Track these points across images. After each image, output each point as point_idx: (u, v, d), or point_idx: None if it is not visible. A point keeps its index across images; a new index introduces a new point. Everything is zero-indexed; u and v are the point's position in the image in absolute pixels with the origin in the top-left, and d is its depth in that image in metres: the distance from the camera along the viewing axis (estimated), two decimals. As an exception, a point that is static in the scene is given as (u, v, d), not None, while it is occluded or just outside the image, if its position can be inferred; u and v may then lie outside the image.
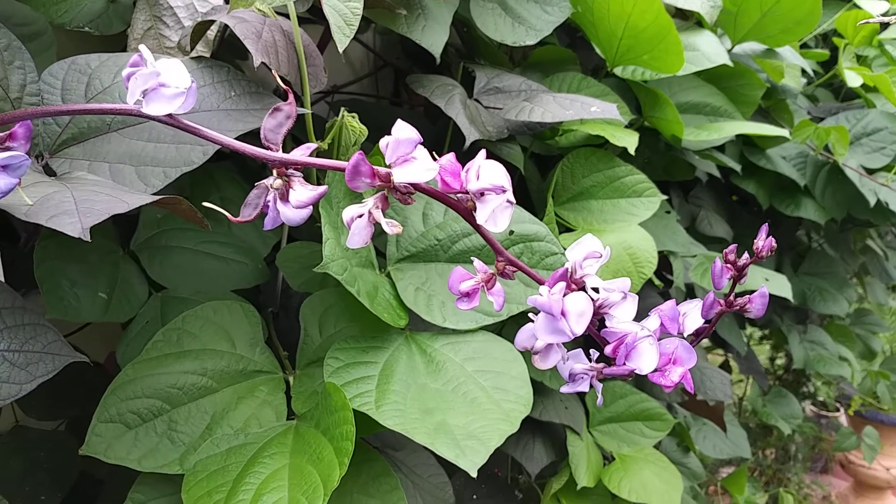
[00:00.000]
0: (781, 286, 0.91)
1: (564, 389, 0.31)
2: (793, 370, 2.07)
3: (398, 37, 1.00)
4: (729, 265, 0.30)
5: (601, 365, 0.31)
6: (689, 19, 1.04)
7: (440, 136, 0.85)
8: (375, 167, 0.27)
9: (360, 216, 0.28)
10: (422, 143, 0.27)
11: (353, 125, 0.60)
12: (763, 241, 0.30)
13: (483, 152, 0.28)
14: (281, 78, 0.51)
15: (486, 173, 0.27)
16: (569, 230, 0.83)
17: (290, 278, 0.67)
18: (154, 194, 0.45)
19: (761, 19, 0.98)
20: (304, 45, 0.55)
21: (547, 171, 0.93)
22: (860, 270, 1.88)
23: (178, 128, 0.29)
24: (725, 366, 1.67)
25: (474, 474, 0.48)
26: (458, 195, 0.28)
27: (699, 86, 0.98)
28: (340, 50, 0.49)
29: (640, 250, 0.74)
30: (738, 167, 1.04)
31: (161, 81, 0.28)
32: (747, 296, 0.31)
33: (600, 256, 0.30)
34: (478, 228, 0.28)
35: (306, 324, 0.62)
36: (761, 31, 1.01)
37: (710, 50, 0.90)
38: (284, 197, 0.28)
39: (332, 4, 0.49)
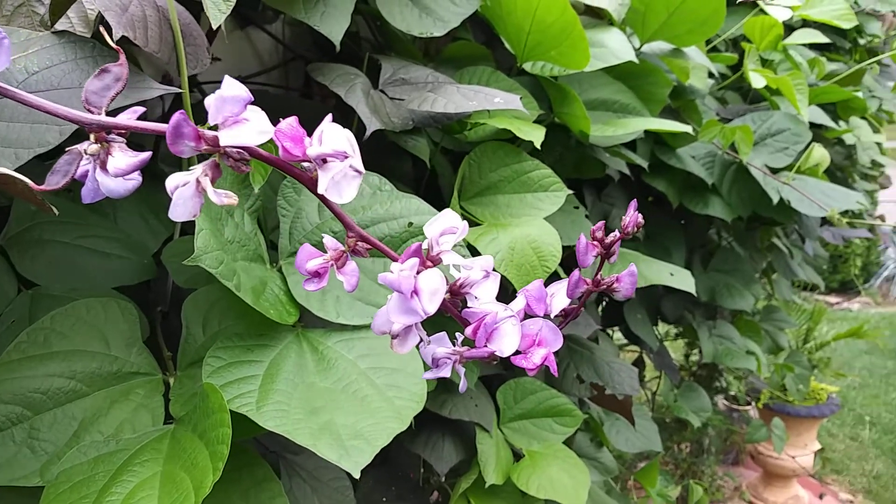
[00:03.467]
0: (685, 281, 0.93)
1: (426, 375, 0.29)
2: (706, 365, 2.13)
3: (308, 28, 0.97)
4: (595, 242, 0.29)
5: (464, 348, 0.29)
6: (601, 18, 1.05)
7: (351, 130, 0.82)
8: (201, 129, 0.24)
9: (185, 185, 0.25)
10: (253, 103, 0.25)
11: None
12: (630, 216, 0.29)
13: (329, 116, 0.26)
14: (125, 46, 0.47)
15: (329, 138, 0.25)
16: (477, 224, 0.81)
17: (176, 274, 0.63)
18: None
19: (668, 19, 1.00)
20: (185, 23, 0.51)
21: (459, 165, 0.91)
22: (767, 268, 1.95)
23: None
24: (640, 361, 1.70)
25: (357, 475, 0.46)
26: (303, 164, 0.26)
27: (608, 83, 0.98)
28: (214, 26, 0.45)
29: (545, 244, 0.73)
30: (645, 164, 1.05)
31: None
32: (615, 275, 0.29)
33: (457, 231, 0.28)
34: (322, 199, 0.26)
35: (189, 322, 0.58)
36: (669, 31, 1.03)
37: (617, 47, 0.91)
38: (104, 165, 0.25)
39: (205, -23, 0.45)
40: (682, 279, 0.92)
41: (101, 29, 0.43)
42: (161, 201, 0.74)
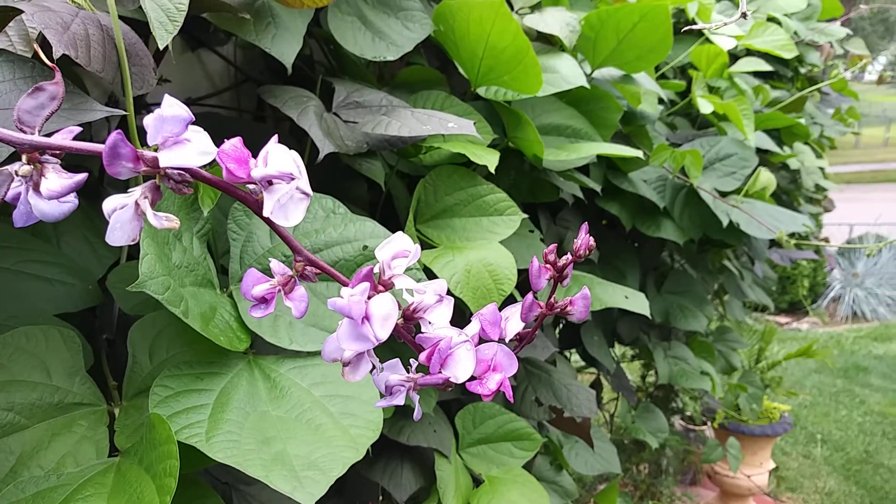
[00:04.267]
0: (640, 304, 0.94)
1: (380, 403, 0.28)
2: (662, 386, 2.15)
3: (261, 50, 0.96)
4: (548, 265, 0.29)
5: (418, 375, 0.28)
6: (554, 44, 1.07)
7: (304, 152, 0.82)
8: (140, 150, 0.24)
9: (123, 208, 0.24)
10: (195, 123, 0.24)
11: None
12: (581, 239, 0.28)
13: (275, 137, 0.25)
14: (68, 66, 0.46)
15: (274, 159, 0.24)
16: (432, 247, 0.81)
17: (122, 301, 0.61)
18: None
19: (618, 45, 1.02)
20: (130, 43, 0.50)
21: (415, 188, 0.91)
22: (719, 289, 1.99)
23: None
24: (597, 383, 1.71)
25: (311, 507, 0.45)
26: (248, 186, 0.25)
27: (560, 108, 1.00)
28: (161, 46, 0.45)
29: (500, 267, 0.73)
30: (598, 188, 1.07)
31: None
32: (568, 297, 0.29)
33: (409, 255, 0.27)
34: (268, 222, 0.25)
35: (135, 349, 0.56)
36: (618, 57, 1.05)
37: (569, 73, 0.92)
38: (37, 187, 0.24)
39: (152, -3, 0.45)
40: (637, 302, 0.93)
41: (37, 48, 0.42)
42: (106, 225, 0.71)
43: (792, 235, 1.46)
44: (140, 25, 0.58)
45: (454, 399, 1.01)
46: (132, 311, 0.60)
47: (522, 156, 1.00)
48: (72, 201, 0.25)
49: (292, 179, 0.24)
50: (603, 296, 0.92)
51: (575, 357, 1.59)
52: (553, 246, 0.29)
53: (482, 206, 0.81)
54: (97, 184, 0.75)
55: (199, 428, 0.49)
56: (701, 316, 1.46)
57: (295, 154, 0.25)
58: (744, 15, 0.38)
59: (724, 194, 1.34)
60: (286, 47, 0.68)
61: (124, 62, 0.47)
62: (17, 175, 0.24)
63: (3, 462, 0.49)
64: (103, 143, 0.25)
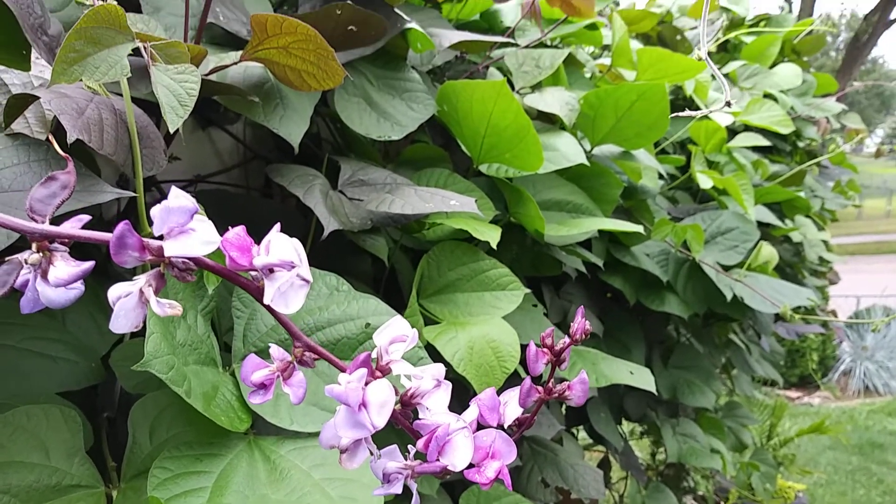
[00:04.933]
0: (646, 380, 0.93)
1: (377, 492, 0.28)
2: (673, 465, 2.10)
3: (269, 129, 0.99)
4: (545, 349, 0.29)
5: (416, 462, 0.28)
6: (554, 123, 1.09)
7: (309, 229, 0.83)
8: (146, 239, 0.24)
9: (128, 295, 0.24)
10: (198, 214, 0.25)
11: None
12: (578, 323, 0.29)
13: (277, 225, 0.26)
14: (82, 146, 0.47)
15: (276, 248, 0.25)
16: (435, 322, 0.81)
17: (124, 379, 0.61)
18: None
19: (617, 123, 1.04)
20: (141, 125, 0.52)
21: (418, 263, 0.92)
22: (727, 364, 1.96)
23: None
24: (605, 462, 1.67)
25: None
26: (251, 273, 0.26)
27: (561, 184, 1.01)
28: (171, 130, 0.46)
29: (503, 344, 0.73)
30: (600, 262, 1.07)
31: None
32: (566, 382, 0.29)
33: (406, 339, 0.28)
34: (268, 309, 0.26)
35: (135, 429, 0.55)
36: (618, 135, 1.07)
37: (569, 150, 0.94)
38: (45, 275, 0.25)
39: (164, 83, 0.46)
40: (643, 377, 0.92)
41: (51, 138, 0.43)
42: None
43: (798, 309, 1.45)
44: (152, 107, 0.60)
45: (458, 481, 0.99)
46: (134, 390, 0.60)
47: (524, 230, 1.01)
48: (78, 288, 0.26)
49: (293, 267, 0.25)
50: (608, 371, 0.91)
51: (582, 434, 1.56)
52: (550, 329, 0.29)
53: (485, 280, 0.82)
54: (104, 261, 0.76)
55: (196, 512, 0.48)
56: (709, 392, 1.44)
57: (296, 242, 0.26)
58: (728, 103, 0.39)
59: (726, 268, 1.34)
60: (293, 128, 0.70)
61: (136, 145, 0.49)
62: (26, 263, 0.25)
63: (-5, 547, 0.48)
64: (111, 223, 0.25)
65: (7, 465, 0.51)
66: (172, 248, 0.24)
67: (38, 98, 0.47)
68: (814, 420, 3.18)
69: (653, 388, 0.89)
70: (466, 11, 1.20)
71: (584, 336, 0.28)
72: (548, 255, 1.05)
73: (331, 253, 0.87)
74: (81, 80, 0.50)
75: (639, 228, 0.94)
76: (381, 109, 0.84)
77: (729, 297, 1.23)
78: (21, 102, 0.47)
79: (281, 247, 0.25)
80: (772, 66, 1.99)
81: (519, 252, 1.02)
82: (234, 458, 0.54)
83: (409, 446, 0.29)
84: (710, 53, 2.02)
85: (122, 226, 0.23)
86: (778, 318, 1.64)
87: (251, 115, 0.69)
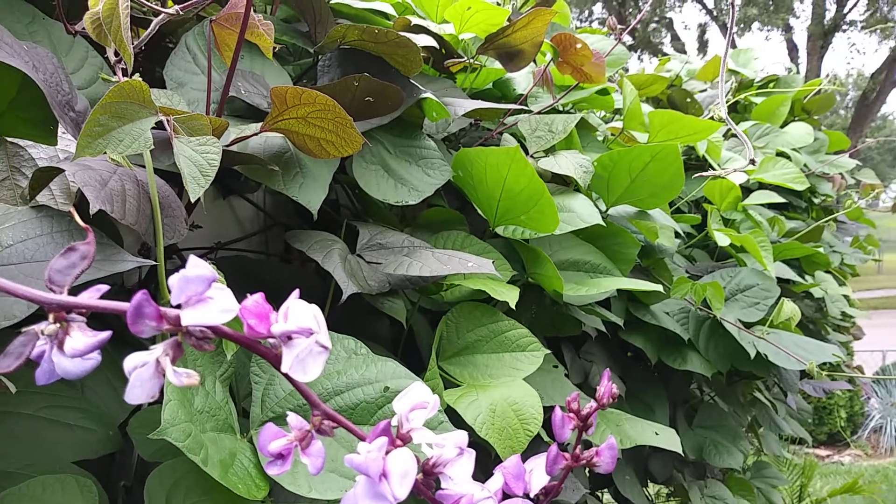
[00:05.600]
0: (671, 440, 0.90)
1: (398, 568, 0.27)
2: (701, 530, 2.02)
3: (288, 197, 1.00)
4: (572, 414, 0.28)
5: (439, 536, 0.27)
6: (569, 185, 1.10)
7: (328, 293, 0.83)
8: (163, 308, 0.24)
9: (144, 365, 0.24)
10: (217, 282, 0.25)
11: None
12: (605, 386, 0.28)
13: (296, 292, 0.26)
14: (105, 215, 0.48)
15: (294, 315, 0.25)
16: (456, 385, 0.80)
17: (142, 447, 0.60)
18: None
19: (631, 184, 1.05)
20: (163, 195, 0.53)
21: (437, 324, 0.92)
22: (753, 422, 1.92)
23: None
24: (632, 528, 1.61)
25: None
26: (269, 340, 0.26)
27: (578, 245, 1.01)
28: (192, 199, 0.47)
29: (526, 406, 0.72)
30: (620, 321, 1.07)
31: None
32: (594, 448, 0.29)
33: (427, 406, 0.27)
34: (286, 377, 0.26)
35: (151, 499, 0.55)
36: (632, 195, 1.08)
37: (584, 211, 0.95)
38: (61, 346, 0.25)
39: (186, 154, 0.48)
40: (668, 438, 0.90)
41: (73, 210, 0.44)
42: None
43: (823, 365, 1.42)
44: (174, 177, 0.61)
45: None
46: (151, 458, 0.59)
47: (542, 290, 1.01)
48: (95, 358, 0.26)
49: (311, 334, 0.25)
50: (632, 433, 0.89)
51: (606, 497, 1.52)
52: (575, 394, 0.29)
53: (504, 342, 0.81)
54: (123, 328, 0.76)
55: (212, 586, 0.47)
56: (736, 452, 1.40)
57: (315, 308, 0.26)
58: (752, 161, 0.40)
59: (748, 325, 1.32)
60: (312, 195, 0.71)
61: (157, 215, 0.50)
62: (42, 334, 0.25)
63: None
64: (132, 291, 0.26)
65: (23, 537, 0.50)
66: (190, 318, 0.24)
67: (62, 171, 0.49)
68: (845, 479, 3.07)
69: (679, 449, 0.87)
70: (480, 81, 1.23)
71: (611, 400, 0.28)
72: (567, 314, 1.05)
73: (349, 316, 0.87)
74: (105, 153, 0.51)
75: (657, 287, 0.93)
76: (399, 176, 0.86)
77: (752, 354, 1.21)
78: (46, 175, 0.48)
79: (299, 314, 0.25)
80: (783, 126, 2.00)
81: (538, 312, 1.01)
82: (252, 529, 0.52)
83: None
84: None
85: (139, 296, 0.24)
86: (803, 375, 1.61)
87: (271, 184, 0.71)
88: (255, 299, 0.25)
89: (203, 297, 0.24)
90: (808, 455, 3.65)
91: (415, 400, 0.27)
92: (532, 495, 0.28)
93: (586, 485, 1.17)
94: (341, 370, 0.61)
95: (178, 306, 0.25)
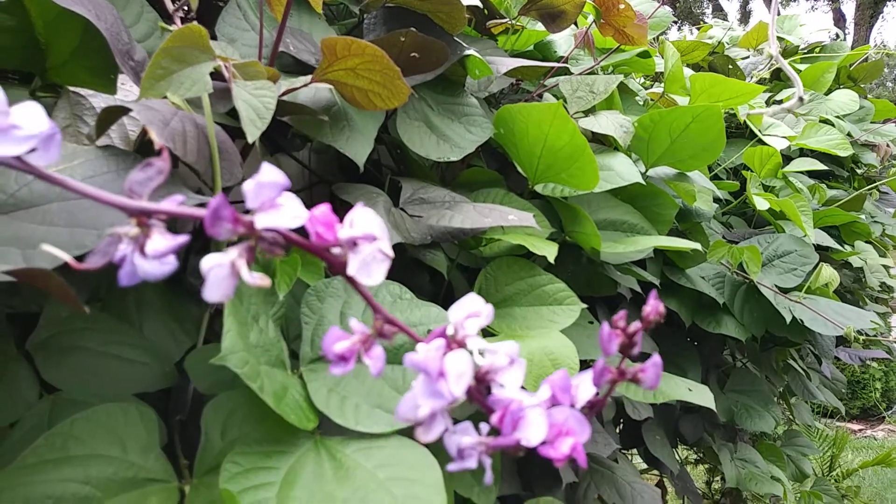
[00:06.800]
0: (704, 397, 0.92)
1: (451, 468, 0.29)
2: (728, 493, 2.04)
3: (333, 155, 1.02)
4: (618, 331, 0.30)
5: (490, 438, 0.29)
6: (608, 145, 1.11)
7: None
8: (238, 214, 0.26)
9: (220, 266, 0.27)
10: (289, 190, 0.27)
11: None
12: (650, 305, 0.30)
13: (360, 204, 0.28)
14: (172, 156, 0.51)
15: (360, 222, 0.27)
16: (493, 335, 0.82)
17: (197, 380, 0.63)
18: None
19: (671, 145, 1.05)
20: (220, 139, 0.55)
21: (474, 281, 0.94)
22: (785, 391, 1.91)
23: (28, 172, 0.28)
24: (661, 487, 1.64)
25: (376, 585, 0.45)
26: (334, 251, 0.28)
27: (616, 205, 1.02)
28: (250, 141, 0.49)
29: (562, 356, 0.74)
30: (656, 281, 1.07)
31: (12, 123, 0.27)
32: (639, 364, 0.30)
33: (480, 315, 0.29)
34: (350, 281, 0.28)
35: (208, 427, 0.58)
36: (672, 156, 1.08)
37: (623, 170, 0.95)
38: (142, 248, 0.27)
39: (244, 97, 0.50)
40: (701, 394, 0.91)
41: (153, 134, 0.46)
42: (186, 312, 0.75)
43: (859, 336, 1.41)
44: (228, 129, 0.64)
45: (512, 495, 0.99)
46: (207, 391, 0.62)
47: (580, 250, 1.02)
48: (172, 263, 0.28)
49: (375, 240, 0.27)
50: (665, 388, 0.91)
51: (636, 459, 1.54)
52: (623, 312, 0.31)
53: (542, 295, 0.83)
54: (179, 272, 0.80)
55: (268, 504, 0.50)
56: (767, 416, 1.41)
57: (379, 218, 0.28)
58: (801, 99, 0.40)
59: (785, 291, 1.32)
60: (359, 148, 0.73)
61: (215, 156, 0.52)
62: (126, 237, 0.27)
63: (79, 535, 0.51)
64: (189, 234, 0.28)
65: (88, 457, 0.54)
66: (264, 221, 0.26)
67: (128, 110, 0.51)
68: (878, 453, 3.04)
69: (712, 405, 0.88)
70: (521, 43, 1.23)
71: (658, 318, 0.29)
72: (603, 274, 1.06)
73: (391, 269, 0.89)
74: (166, 98, 0.54)
75: (696, 245, 0.94)
76: (441, 132, 0.87)
77: (788, 319, 1.21)
78: (112, 115, 0.51)
79: (364, 221, 0.27)
80: (827, 94, 1.96)
81: (574, 271, 1.02)
82: (302, 456, 0.55)
83: (481, 424, 0.31)
84: (763, 80, 2.01)
85: (218, 198, 0.26)
86: (839, 342, 1.60)
87: (319, 137, 0.73)
88: (323, 209, 0.27)
89: (275, 203, 0.26)
90: (839, 428, 3.62)
91: (469, 308, 0.29)
92: (578, 408, 0.30)
93: (617, 441, 1.20)
94: (386, 314, 0.64)
95: (251, 212, 0.27)
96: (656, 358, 0.30)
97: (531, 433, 0.28)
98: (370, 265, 0.27)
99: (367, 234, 0.27)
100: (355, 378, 0.62)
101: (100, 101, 0.64)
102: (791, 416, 2.00)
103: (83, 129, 0.63)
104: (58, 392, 0.61)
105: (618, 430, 1.36)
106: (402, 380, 0.62)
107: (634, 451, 1.42)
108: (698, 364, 1.34)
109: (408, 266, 0.90)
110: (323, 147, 1.00)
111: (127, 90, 0.67)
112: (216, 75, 0.59)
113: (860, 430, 5.26)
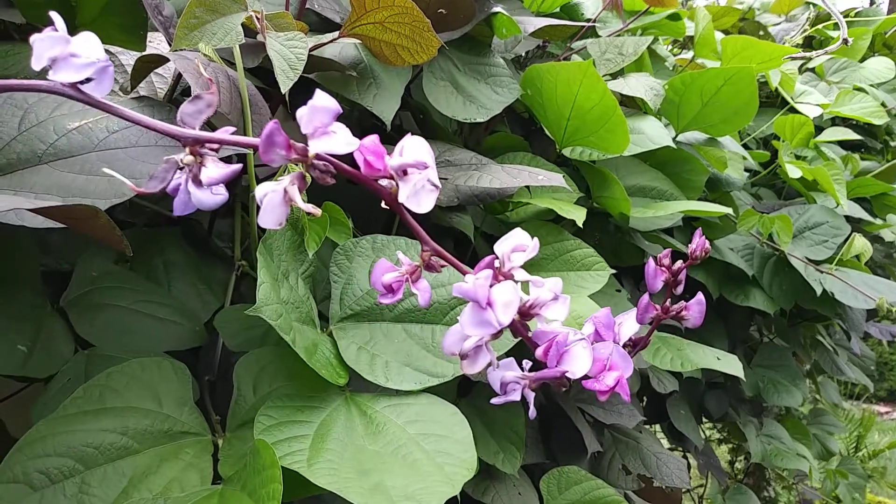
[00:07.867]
0: (733, 366, 0.90)
1: (495, 401, 0.29)
2: (752, 473, 2.03)
3: (357, 119, 1.02)
4: (663, 268, 0.29)
5: (533, 373, 0.29)
6: (638, 108, 1.09)
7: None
8: (292, 140, 0.26)
9: (273, 192, 0.26)
10: (341, 117, 0.26)
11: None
12: (696, 242, 0.29)
13: (409, 134, 0.28)
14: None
15: (410, 149, 0.26)
16: (519, 302, 0.82)
17: (228, 338, 0.64)
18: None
19: (702, 108, 1.03)
20: (250, 93, 0.55)
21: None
22: (812, 370, 1.89)
23: (84, 102, 0.28)
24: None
25: (410, 534, 0.45)
26: (382, 180, 0.27)
27: (645, 170, 1.00)
28: (284, 91, 0.49)
29: (590, 319, 0.73)
30: (685, 249, 1.06)
31: (71, 51, 0.27)
32: (683, 302, 0.29)
33: (527, 248, 0.29)
34: (400, 211, 0.27)
35: (240, 383, 0.58)
36: (703, 121, 1.06)
37: (653, 133, 0.94)
38: (196, 177, 0.27)
39: (277, 49, 0.49)
40: (730, 363, 0.90)
41: (200, 66, 0.46)
42: (212, 274, 0.76)
43: (891, 308, 1.39)
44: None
45: (536, 464, 0.99)
46: (237, 348, 0.63)
47: (607, 217, 1.01)
48: (223, 194, 0.28)
49: (426, 168, 0.26)
50: (693, 357, 0.89)
51: (659, 435, 1.53)
52: (667, 251, 0.30)
53: (570, 260, 0.82)
54: (206, 235, 0.80)
55: (300, 455, 0.50)
56: (795, 391, 1.39)
57: (428, 146, 0.27)
58: (845, 41, 0.39)
59: (816, 263, 1.29)
60: (385, 105, 0.72)
61: (247, 107, 0.52)
62: (181, 163, 0.27)
63: (116, 483, 0.51)
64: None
65: (124, 409, 0.55)
66: (318, 146, 0.26)
67: (164, 59, 0.51)
68: (905, 436, 3.01)
69: (741, 374, 0.87)
70: (547, 5, 1.21)
71: (703, 254, 0.29)
72: (630, 243, 1.05)
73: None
74: (198, 50, 0.53)
75: (728, 210, 0.92)
76: (467, 93, 0.86)
77: (819, 291, 1.19)
78: (148, 65, 0.50)
79: (415, 148, 0.26)
80: (861, 61, 1.91)
81: (601, 239, 1.01)
82: (333, 411, 0.56)
83: (524, 361, 0.30)
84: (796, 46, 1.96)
85: (271, 124, 0.25)
86: (870, 316, 1.57)
87: (346, 93, 0.72)
88: (372, 139, 0.27)
89: (328, 129, 0.26)
90: (865, 409, 3.58)
91: (516, 241, 0.29)
92: (621, 345, 0.30)
93: (642, 413, 1.19)
94: (415, 272, 0.63)
95: (305, 139, 0.26)
96: (700, 297, 0.30)
97: (576, 366, 0.27)
98: (419, 193, 0.27)
99: (419, 161, 0.26)
100: (385, 337, 0.62)
101: (128, 58, 0.64)
102: (818, 396, 1.98)
103: (118, 79, 0.63)
104: (92, 348, 0.61)
105: (642, 404, 1.35)
106: (432, 339, 0.62)
107: (658, 427, 1.41)
108: (725, 338, 1.33)
109: (433, 233, 0.89)
110: (345, 111, 0.98)
111: (154, 48, 0.67)
112: (247, 31, 0.59)
113: (887, 412, 5.20)
